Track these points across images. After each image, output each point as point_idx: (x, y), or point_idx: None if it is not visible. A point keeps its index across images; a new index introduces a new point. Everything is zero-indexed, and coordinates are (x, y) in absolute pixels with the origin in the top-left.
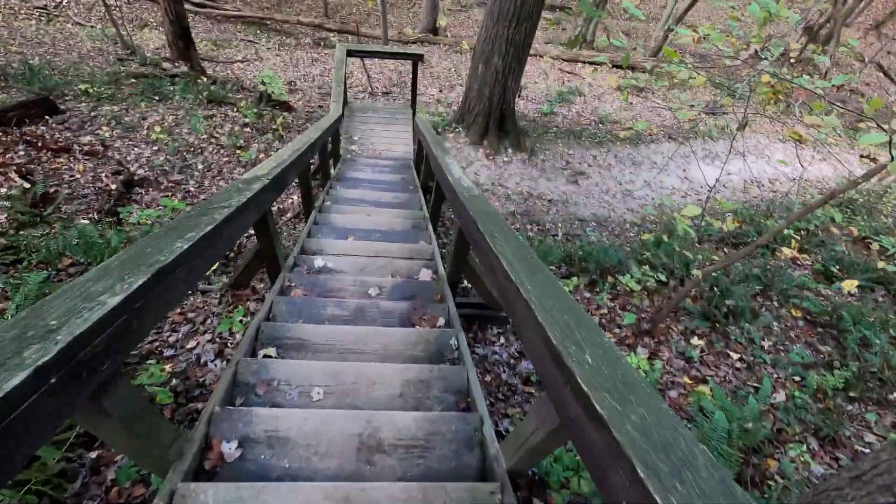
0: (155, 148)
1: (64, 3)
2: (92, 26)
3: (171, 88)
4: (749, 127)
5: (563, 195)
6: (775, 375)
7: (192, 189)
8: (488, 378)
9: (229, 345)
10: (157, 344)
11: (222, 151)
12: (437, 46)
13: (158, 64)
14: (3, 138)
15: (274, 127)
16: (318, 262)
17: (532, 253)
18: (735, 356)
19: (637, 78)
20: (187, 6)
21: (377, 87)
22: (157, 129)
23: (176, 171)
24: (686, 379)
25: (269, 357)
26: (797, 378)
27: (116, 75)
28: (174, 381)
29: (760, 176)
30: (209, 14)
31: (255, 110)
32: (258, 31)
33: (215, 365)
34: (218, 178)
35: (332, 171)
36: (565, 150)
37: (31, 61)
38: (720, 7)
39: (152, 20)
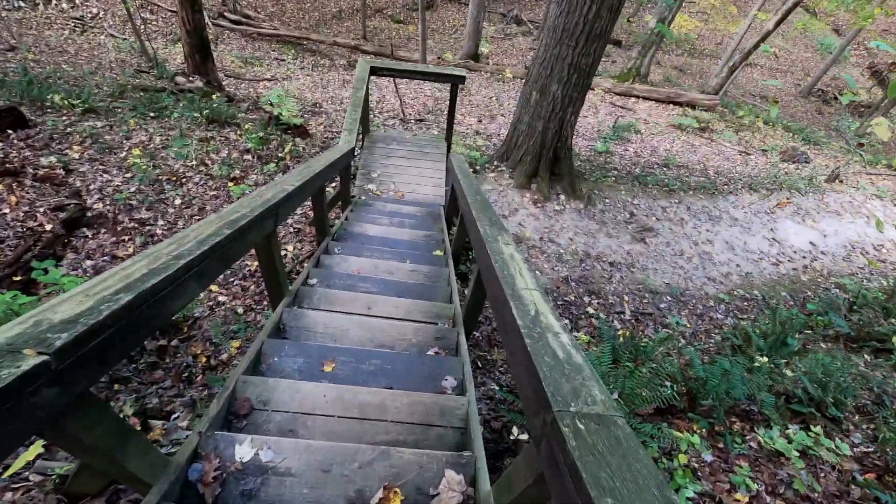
0: (128, 175)
1: (100, 15)
2: (125, 38)
3: (173, 104)
4: (839, 179)
5: (628, 257)
6: None
7: (158, 232)
8: None
9: None
10: None
11: (211, 183)
12: (477, 74)
13: (172, 77)
14: None
15: (280, 155)
16: (245, 450)
17: None
18: None
19: (697, 117)
20: (224, 23)
21: (409, 114)
22: (137, 151)
23: (144, 207)
24: None
25: None
26: None
27: (123, 87)
28: None
29: (862, 240)
30: (245, 32)
31: (261, 134)
32: (293, 51)
33: None
34: (197, 216)
35: (339, 220)
36: (628, 199)
37: (35, 70)
38: (778, 43)
39: None
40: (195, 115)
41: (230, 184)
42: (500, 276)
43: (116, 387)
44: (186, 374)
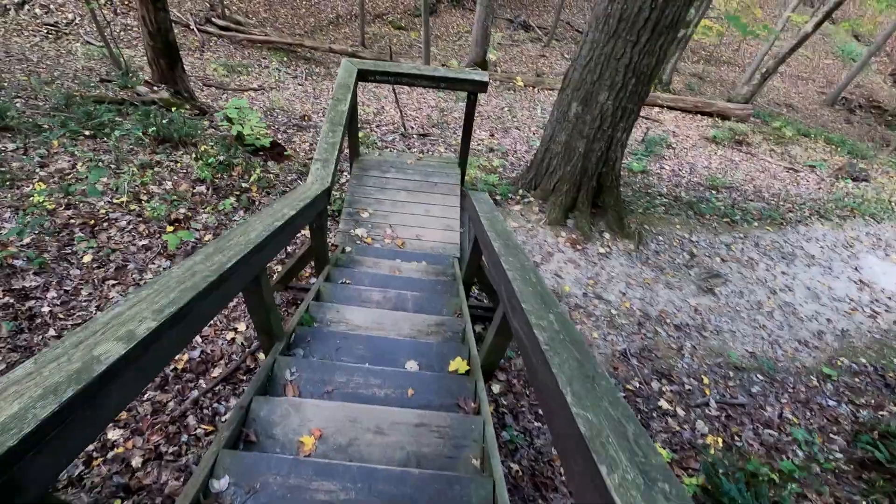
0: (27, 219)
1: (76, 21)
2: (101, 45)
3: (119, 119)
4: None
5: (697, 315)
6: None
7: (45, 310)
8: None
9: None
10: None
11: (143, 227)
12: None
13: (134, 87)
14: None
15: (245, 185)
16: None
17: None
18: None
19: (732, 129)
20: (211, 29)
21: (412, 128)
22: (41, 186)
23: (33, 270)
24: None
25: None
26: None
27: (70, 99)
28: None
29: None
30: (234, 38)
31: (221, 158)
32: (286, 58)
33: None
34: (113, 281)
35: (312, 282)
36: (685, 235)
37: None
38: (798, 50)
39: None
40: (142, 134)
41: (169, 228)
42: None
43: None
44: None
